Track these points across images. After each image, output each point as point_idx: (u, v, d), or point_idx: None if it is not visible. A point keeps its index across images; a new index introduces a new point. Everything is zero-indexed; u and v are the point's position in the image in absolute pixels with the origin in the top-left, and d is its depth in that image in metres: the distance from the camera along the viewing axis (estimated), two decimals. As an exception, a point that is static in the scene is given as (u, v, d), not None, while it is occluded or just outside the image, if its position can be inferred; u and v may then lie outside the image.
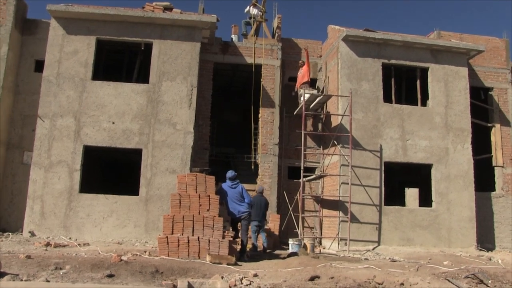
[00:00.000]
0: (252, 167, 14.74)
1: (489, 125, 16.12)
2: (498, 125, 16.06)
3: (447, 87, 14.74)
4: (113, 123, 13.16)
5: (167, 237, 9.40)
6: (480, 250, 13.70)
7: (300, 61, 15.44)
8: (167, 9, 14.22)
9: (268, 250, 11.96)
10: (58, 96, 13.17)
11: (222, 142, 16.75)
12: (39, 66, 14.17)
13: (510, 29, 44.77)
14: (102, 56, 14.59)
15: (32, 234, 12.22)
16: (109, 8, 13.75)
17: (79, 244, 11.01)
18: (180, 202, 9.81)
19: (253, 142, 15.07)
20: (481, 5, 48.32)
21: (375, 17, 49.21)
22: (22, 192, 13.21)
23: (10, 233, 12.51)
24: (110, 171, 17.46)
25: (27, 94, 14.40)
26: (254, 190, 13.06)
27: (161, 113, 13.33)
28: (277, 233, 13.63)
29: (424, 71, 14.95)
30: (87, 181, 13.50)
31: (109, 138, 13.08)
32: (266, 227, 13.34)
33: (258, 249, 11.63)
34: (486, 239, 14.77)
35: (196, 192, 9.96)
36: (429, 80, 14.80)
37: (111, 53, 15.29)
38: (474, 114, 15.08)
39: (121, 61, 15.29)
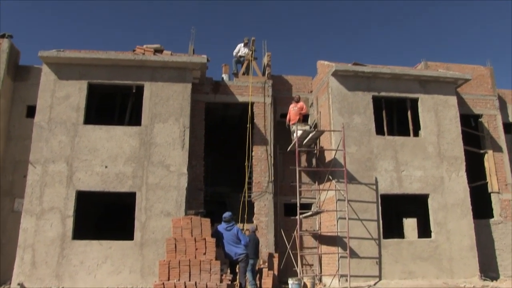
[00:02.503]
0: (240, 207, 14.15)
1: (482, 151, 16.20)
2: (490, 151, 16.16)
3: (438, 116, 14.86)
4: (106, 167, 13.03)
5: (163, 283, 9.16)
6: (484, 279, 13.43)
7: (296, 96, 15.32)
8: (157, 51, 14.37)
9: None
10: (50, 141, 13.07)
11: (217, 181, 16.59)
12: (31, 111, 14.14)
13: (493, 58, 46.14)
14: (93, 100, 14.57)
15: (22, 286, 11.80)
16: (100, 52, 13.87)
17: (72, 294, 10.66)
18: (175, 246, 9.64)
19: (247, 180, 14.88)
20: (464, 34, 49.69)
21: (363, 50, 50.31)
22: (12, 241, 12.81)
23: (-2, 286, 12.15)
24: (104, 215, 17.16)
25: (19, 139, 14.34)
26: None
27: (154, 155, 13.23)
28: (276, 272, 13.35)
29: (414, 101, 15.09)
30: (81, 227, 13.21)
31: (102, 182, 12.91)
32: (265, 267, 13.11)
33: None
34: (489, 267, 14.50)
35: (192, 236, 9.81)
36: (419, 110, 14.94)
37: (102, 97, 15.29)
38: (466, 142, 15.17)
39: (113, 104, 15.28)
